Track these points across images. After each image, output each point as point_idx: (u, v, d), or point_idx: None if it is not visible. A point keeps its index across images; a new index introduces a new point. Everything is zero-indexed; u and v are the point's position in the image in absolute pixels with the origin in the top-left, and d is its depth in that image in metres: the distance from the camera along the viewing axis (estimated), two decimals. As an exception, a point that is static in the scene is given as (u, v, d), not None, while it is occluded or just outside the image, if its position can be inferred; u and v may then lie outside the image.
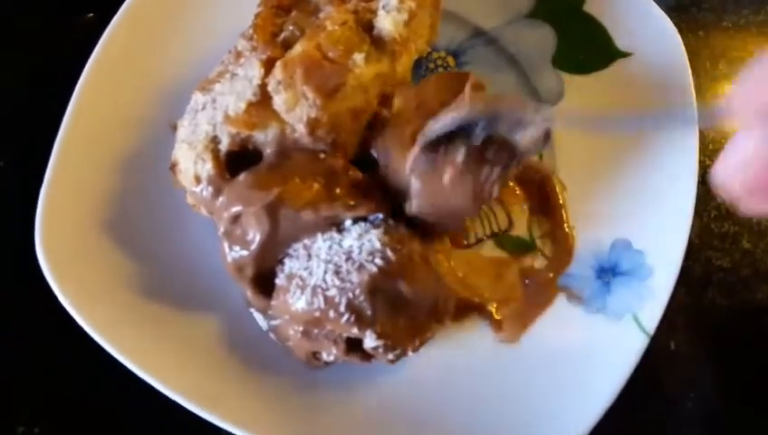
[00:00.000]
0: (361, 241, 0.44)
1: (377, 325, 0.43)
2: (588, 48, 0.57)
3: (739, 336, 0.54)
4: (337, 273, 0.43)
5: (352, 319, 0.42)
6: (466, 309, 0.50)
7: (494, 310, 0.50)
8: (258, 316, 0.49)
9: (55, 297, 0.47)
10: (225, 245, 0.45)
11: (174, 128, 0.50)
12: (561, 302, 0.50)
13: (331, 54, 0.44)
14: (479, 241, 0.52)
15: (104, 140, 0.53)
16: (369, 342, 0.43)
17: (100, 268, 0.49)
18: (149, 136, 0.53)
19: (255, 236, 0.44)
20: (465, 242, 0.52)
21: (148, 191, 0.51)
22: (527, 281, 0.51)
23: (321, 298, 0.43)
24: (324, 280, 0.43)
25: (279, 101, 0.43)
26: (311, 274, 0.43)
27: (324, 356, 0.45)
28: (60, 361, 0.53)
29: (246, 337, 0.49)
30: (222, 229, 0.44)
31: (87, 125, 0.52)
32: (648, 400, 0.52)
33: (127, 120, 0.53)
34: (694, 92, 0.53)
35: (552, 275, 0.51)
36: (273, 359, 0.47)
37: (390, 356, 0.44)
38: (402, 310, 0.44)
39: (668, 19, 0.56)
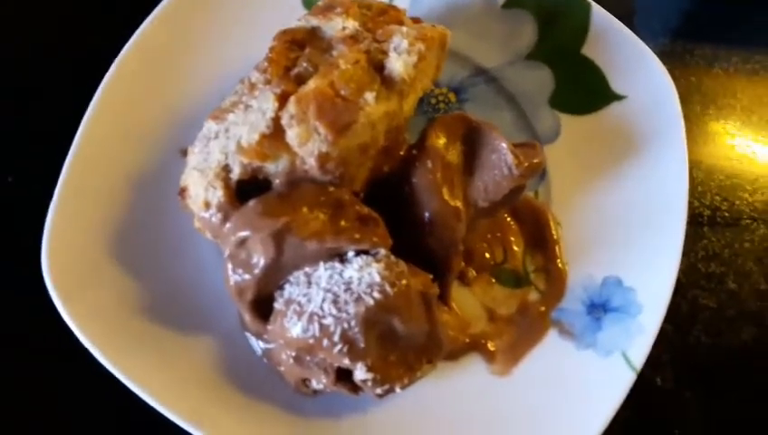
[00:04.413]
0: (362, 273, 0.45)
1: (368, 359, 0.44)
2: (584, 90, 0.59)
3: (724, 374, 0.56)
4: (335, 302, 0.44)
5: (345, 350, 0.44)
6: (463, 350, 0.52)
7: (488, 343, 0.51)
8: (253, 340, 0.50)
9: (60, 318, 0.48)
10: (229, 267, 0.46)
11: (184, 154, 0.51)
12: (552, 336, 0.51)
13: (343, 92, 0.45)
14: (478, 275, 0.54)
15: (113, 163, 0.54)
16: (360, 374, 0.44)
17: (104, 287, 0.50)
18: (158, 161, 0.54)
19: (260, 262, 0.45)
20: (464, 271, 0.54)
21: (154, 215, 0.53)
22: (520, 314, 0.52)
23: (316, 326, 0.44)
24: (322, 308, 0.44)
25: (292, 135, 0.45)
26: (309, 300, 0.44)
27: (314, 384, 0.46)
28: (62, 380, 0.54)
29: (241, 360, 0.50)
30: (227, 252, 0.46)
31: (96, 147, 0.54)
32: (636, 429, 0.53)
33: (136, 144, 0.55)
34: (685, 135, 0.55)
35: (544, 308, 0.52)
36: (267, 382, 0.49)
37: (379, 391, 0.45)
38: (394, 346, 0.45)
39: (662, 64, 0.58)
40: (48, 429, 0.53)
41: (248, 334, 0.50)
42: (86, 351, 0.48)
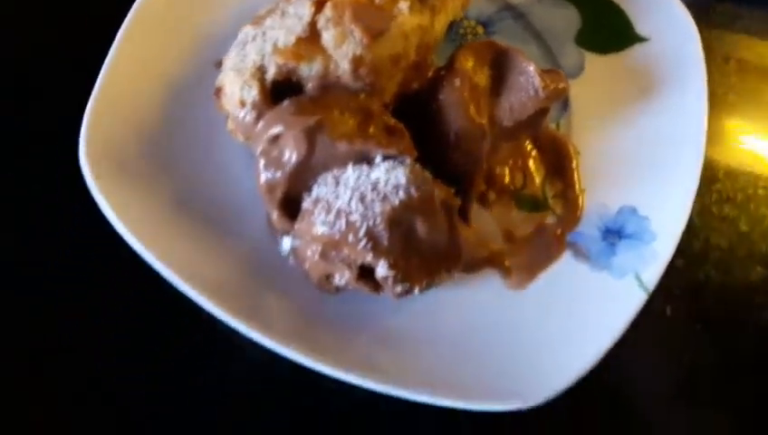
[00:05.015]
0: (388, 175, 0.46)
1: (390, 256, 0.45)
2: (609, 30, 0.61)
3: (731, 310, 0.57)
4: (362, 200, 0.45)
5: (369, 246, 0.45)
6: (480, 265, 0.53)
7: (504, 259, 0.53)
8: (279, 240, 0.51)
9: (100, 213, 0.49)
10: (261, 164, 0.47)
11: (218, 66, 0.53)
12: (567, 258, 0.53)
13: (378, 1, 0.47)
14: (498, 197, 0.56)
15: (149, 71, 0.55)
16: (381, 271, 0.45)
17: (139, 180, 0.52)
18: (193, 70, 0.56)
19: (291, 158, 0.46)
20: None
21: (188, 121, 0.55)
22: (537, 235, 0.54)
23: (343, 221, 0.45)
24: (349, 205, 0.45)
25: (327, 37, 0.47)
26: (337, 198, 0.46)
27: (336, 279, 0.47)
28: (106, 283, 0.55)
29: (267, 263, 0.51)
30: (260, 149, 0.47)
31: (133, 55, 0.55)
32: (641, 358, 0.55)
33: (172, 53, 0.56)
34: (705, 75, 0.56)
35: (560, 231, 0.54)
36: (292, 282, 0.50)
37: (398, 289, 0.46)
38: (416, 249, 0.46)
39: (687, 10, 0.59)
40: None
41: (274, 235, 0.51)
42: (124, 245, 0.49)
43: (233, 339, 0.50)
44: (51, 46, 0.63)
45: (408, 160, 0.48)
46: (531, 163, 0.57)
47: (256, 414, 0.51)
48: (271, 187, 0.48)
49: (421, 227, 0.46)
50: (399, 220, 0.46)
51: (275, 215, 0.49)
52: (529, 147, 0.57)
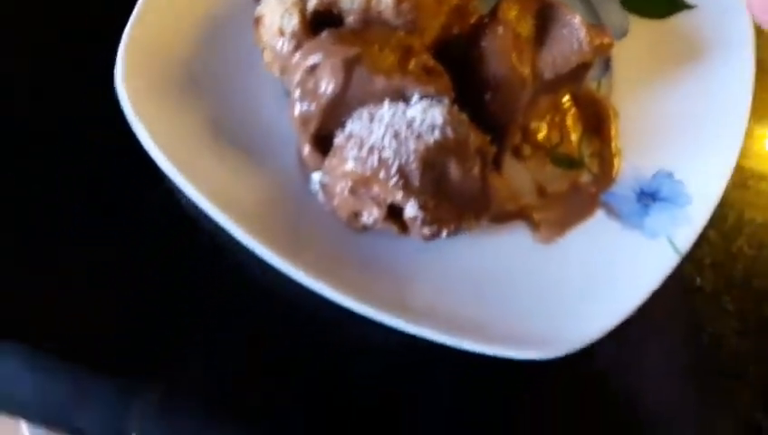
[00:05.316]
0: (425, 115, 0.46)
1: (421, 196, 0.45)
2: (656, -5, 0.60)
3: (761, 285, 0.56)
4: (396, 136, 0.45)
5: (400, 184, 0.44)
6: (510, 216, 0.52)
7: (534, 213, 0.52)
8: (309, 176, 0.50)
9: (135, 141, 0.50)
10: (296, 95, 0.47)
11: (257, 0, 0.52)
12: (599, 215, 0.52)
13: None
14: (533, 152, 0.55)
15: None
16: (410, 210, 0.45)
17: (174, 104, 0.52)
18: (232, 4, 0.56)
19: (327, 89, 0.46)
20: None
21: (226, 50, 0.54)
22: (571, 192, 0.53)
23: (375, 157, 0.45)
24: (382, 141, 0.45)
25: (371, -32, 0.46)
26: (370, 133, 0.45)
27: (365, 217, 0.47)
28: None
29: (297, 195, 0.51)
30: (296, 79, 0.47)
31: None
32: (668, 323, 0.54)
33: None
34: (754, 47, 0.55)
35: (595, 190, 0.53)
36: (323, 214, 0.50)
37: (426, 231, 0.46)
38: (446, 191, 0.46)
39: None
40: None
41: (305, 172, 0.51)
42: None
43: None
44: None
45: (446, 101, 0.47)
46: (569, 121, 0.56)
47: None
48: (305, 119, 0.47)
49: (454, 170, 0.46)
50: (433, 160, 0.45)
51: (307, 149, 0.48)
52: (567, 105, 0.56)
